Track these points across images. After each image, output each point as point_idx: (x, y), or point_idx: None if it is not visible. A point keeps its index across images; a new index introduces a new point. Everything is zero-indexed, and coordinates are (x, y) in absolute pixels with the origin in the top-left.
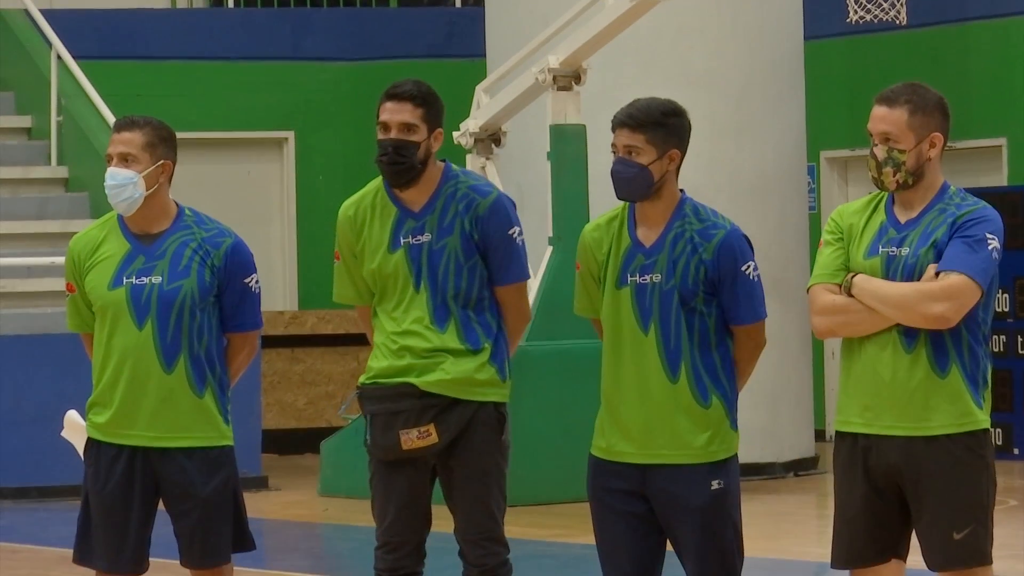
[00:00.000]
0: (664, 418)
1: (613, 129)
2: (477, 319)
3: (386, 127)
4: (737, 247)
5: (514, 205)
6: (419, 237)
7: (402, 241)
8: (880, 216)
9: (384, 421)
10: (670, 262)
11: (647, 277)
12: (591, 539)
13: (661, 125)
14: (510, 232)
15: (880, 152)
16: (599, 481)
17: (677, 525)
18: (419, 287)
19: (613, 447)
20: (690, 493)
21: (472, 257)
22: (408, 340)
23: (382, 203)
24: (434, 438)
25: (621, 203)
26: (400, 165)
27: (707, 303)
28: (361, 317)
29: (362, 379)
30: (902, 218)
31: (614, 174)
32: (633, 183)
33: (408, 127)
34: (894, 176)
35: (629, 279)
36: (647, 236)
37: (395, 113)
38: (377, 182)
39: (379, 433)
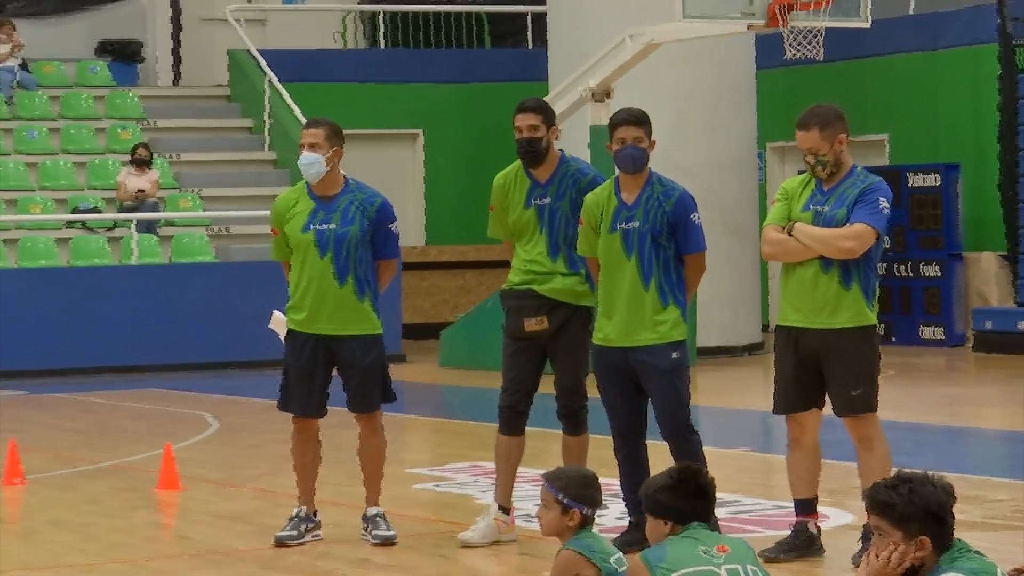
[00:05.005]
0: (642, 314)
1: (617, 125)
2: (577, 253)
3: (519, 130)
4: (688, 202)
5: (604, 180)
6: (543, 200)
7: (533, 202)
8: (811, 186)
9: (514, 312)
10: (644, 213)
11: (630, 224)
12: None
13: (648, 123)
14: None
15: (811, 160)
16: (601, 360)
17: (651, 382)
18: (542, 231)
19: (608, 336)
20: (659, 361)
21: (577, 213)
22: (533, 266)
23: (521, 177)
24: (545, 325)
25: (609, 178)
26: (531, 153)
27: (669, 240)
28: (506, 248)
29: (503, 286)
30: (825, 187)
31: (628, 156)
32: (640, 161)
33: (533, 128)
34: (824, 171)
35: (618, 226)
36: (628, 198)
37: (524, 120)
38: (519, 162)
39: (510, 319)
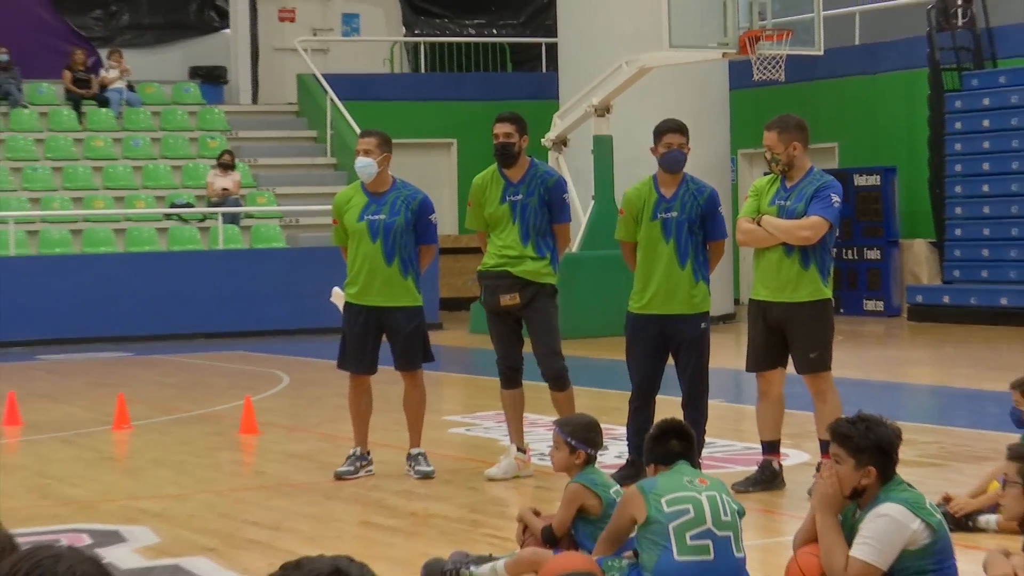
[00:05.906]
0: (677, 288)
1: (664, 132)
2: (543, 241)
3: (497, 136)
4: (716, 197)
5: (566, 182)
6: (516, 196)
7: (507, 199)
8: (776, 184)
9: (491, 289)
10: (681, 205)
11: (669, 214)
12: (618, 357)
13: (687, 131)
14: (564, 196)
15: (768, 155)
16: (636, 325)
17: (681, 348)
18: (514, 222)
19: (645, 306)
20: (691, 329)
21: (543, 207)
22: (506, 251)
23: (496, 177)
24: (517, 300)
25: (648, 175)
26: (505, 156)
27: (700, 227)
28: (480, 237)
29: (479, 267)
30: (788, 185)
31: (674, 159)
32: (682, 163)
33: (508, 135)
34: (777, 168)
35: (659, 215)
36: (666, 192)
37: (500, 128)
38: (495, 166)
39: (487, 295)
